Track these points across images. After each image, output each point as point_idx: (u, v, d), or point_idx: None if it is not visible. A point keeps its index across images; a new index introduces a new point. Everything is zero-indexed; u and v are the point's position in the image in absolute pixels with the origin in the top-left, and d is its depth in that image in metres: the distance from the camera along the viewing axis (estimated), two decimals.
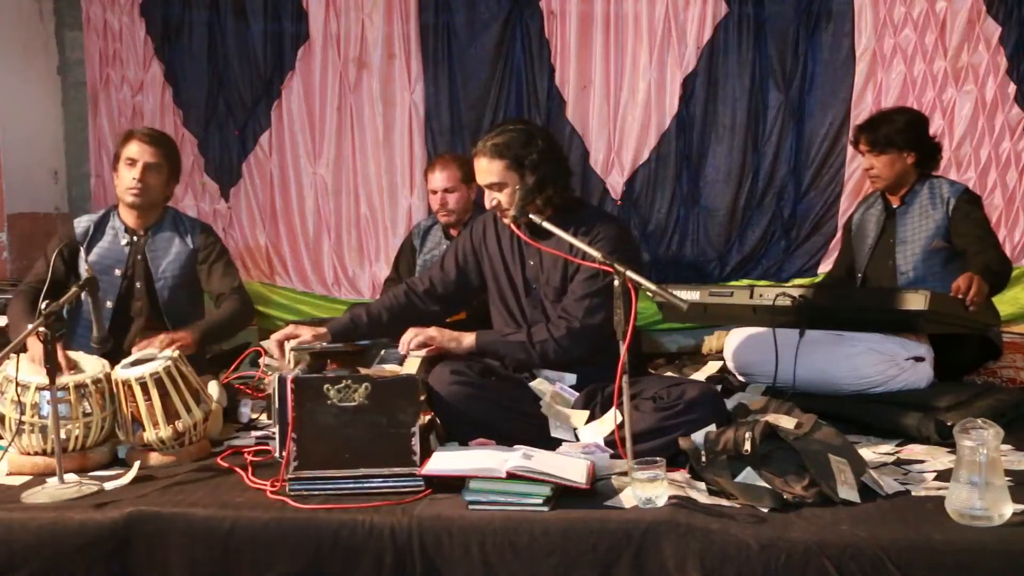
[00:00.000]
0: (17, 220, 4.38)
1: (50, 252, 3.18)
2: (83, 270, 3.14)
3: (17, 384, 2.42)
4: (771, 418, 2.35)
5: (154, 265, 3.21)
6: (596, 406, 2.61)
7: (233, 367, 3.18)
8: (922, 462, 2.42)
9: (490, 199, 2.72)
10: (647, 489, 2.04)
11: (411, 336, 2.68)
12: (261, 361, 3.28)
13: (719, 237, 4.41)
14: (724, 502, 2.09)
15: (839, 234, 4.05)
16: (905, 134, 3.35)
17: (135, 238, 3.22)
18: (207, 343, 3.15)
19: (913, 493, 2.15)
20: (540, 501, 2.05)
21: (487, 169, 2.68)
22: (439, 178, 3.80)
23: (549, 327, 2.67)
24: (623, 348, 2.19)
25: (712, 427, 2.34)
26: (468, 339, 2.70)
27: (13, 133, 4.37)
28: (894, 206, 3.45)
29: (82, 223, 3.25)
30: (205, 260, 3.26)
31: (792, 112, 4.30)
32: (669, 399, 2.49)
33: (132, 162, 3.15)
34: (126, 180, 3.16)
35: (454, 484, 2.13)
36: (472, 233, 2.92)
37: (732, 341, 3.17)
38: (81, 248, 3.19)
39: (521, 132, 2.69)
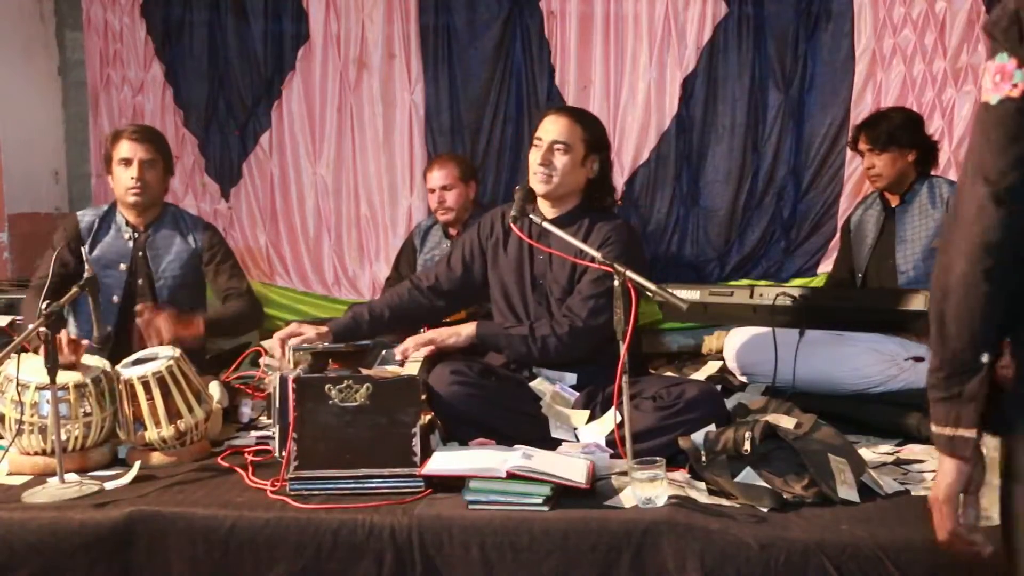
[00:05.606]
0: (17, 220, 4.38)
1: (57, 246, 3.17)
2: (85, 266, 3.14)
3: (18, 384, 2.42)
4: (771, 418, 2.35)
5: (154, 264, 3.21)
6: (596, 406, 2.61)
7: (234, 367, 3.18)
8: (922, 462, 2.42)
9: (540, 156, 2.67)
10: (647, 489, 2.04)
11: (409, 345, 2.69)
12: (261, 361, 3.28)
13: (719, 237, 4.41)
14: (724, 502, 2.09)
15: (839, 234, 4.05)
16: (905, 131, 3.38)
17: (137, 234, 3.23)
18: (210, 335, 3.17)
19: (913, 493, 2.15)
20: (540, 501, 2.05)
21: (564, 126, 2.69)
22: (437, 176, 3.89)
23: (552, 323, 2.67)
24: (623, 348, 2.19)
25: (712, 427, 2.34)
26: (468, 329, 2.71)
27: (13, 133, 4.37)
28: (893, 205, 3.46)
29: (87, 216, 3.25)
30: (211, 261, 3.26)
31: (792, 112, 4.29)
32: (669, 398, 2.49)
33: (127, 162, 3.14)
34: (124, 181, 3.15)
35: (454, 484, 2.13)
36: (480, 229, 2.92)
37: (732, 341, 3.17)
38: (85, 243, 3.17)
39: (601, 125, 2.80)
